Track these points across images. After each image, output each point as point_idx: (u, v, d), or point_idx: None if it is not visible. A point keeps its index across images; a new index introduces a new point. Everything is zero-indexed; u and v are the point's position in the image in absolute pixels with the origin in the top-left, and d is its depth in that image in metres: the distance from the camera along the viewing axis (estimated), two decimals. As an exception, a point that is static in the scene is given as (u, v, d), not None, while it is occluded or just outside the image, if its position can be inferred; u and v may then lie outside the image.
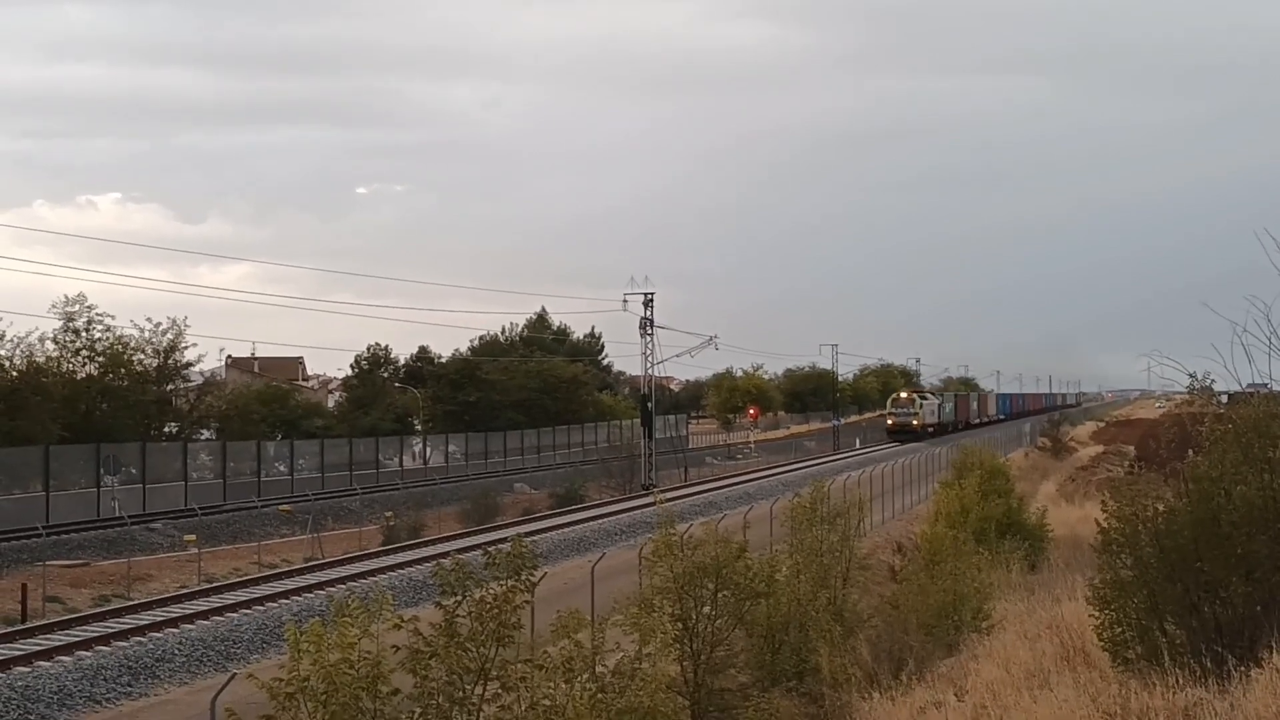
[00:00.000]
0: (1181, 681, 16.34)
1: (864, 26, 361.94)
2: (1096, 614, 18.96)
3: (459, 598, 12.76)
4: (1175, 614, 18.19)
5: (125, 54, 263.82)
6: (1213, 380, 28.72)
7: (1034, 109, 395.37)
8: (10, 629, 29.89)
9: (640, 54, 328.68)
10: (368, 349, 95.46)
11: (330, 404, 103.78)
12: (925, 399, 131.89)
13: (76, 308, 65.41)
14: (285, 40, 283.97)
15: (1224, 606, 18.00)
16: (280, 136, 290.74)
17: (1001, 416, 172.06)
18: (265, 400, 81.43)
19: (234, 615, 30.78)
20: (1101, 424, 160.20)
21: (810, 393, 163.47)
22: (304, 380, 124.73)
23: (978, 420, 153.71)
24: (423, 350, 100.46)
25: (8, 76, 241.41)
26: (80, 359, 66.21)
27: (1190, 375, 29.00)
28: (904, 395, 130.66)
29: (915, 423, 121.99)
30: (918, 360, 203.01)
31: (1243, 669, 16.43)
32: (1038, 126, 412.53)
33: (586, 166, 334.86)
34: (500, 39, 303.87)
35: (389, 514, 55.53)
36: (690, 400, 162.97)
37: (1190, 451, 22.80)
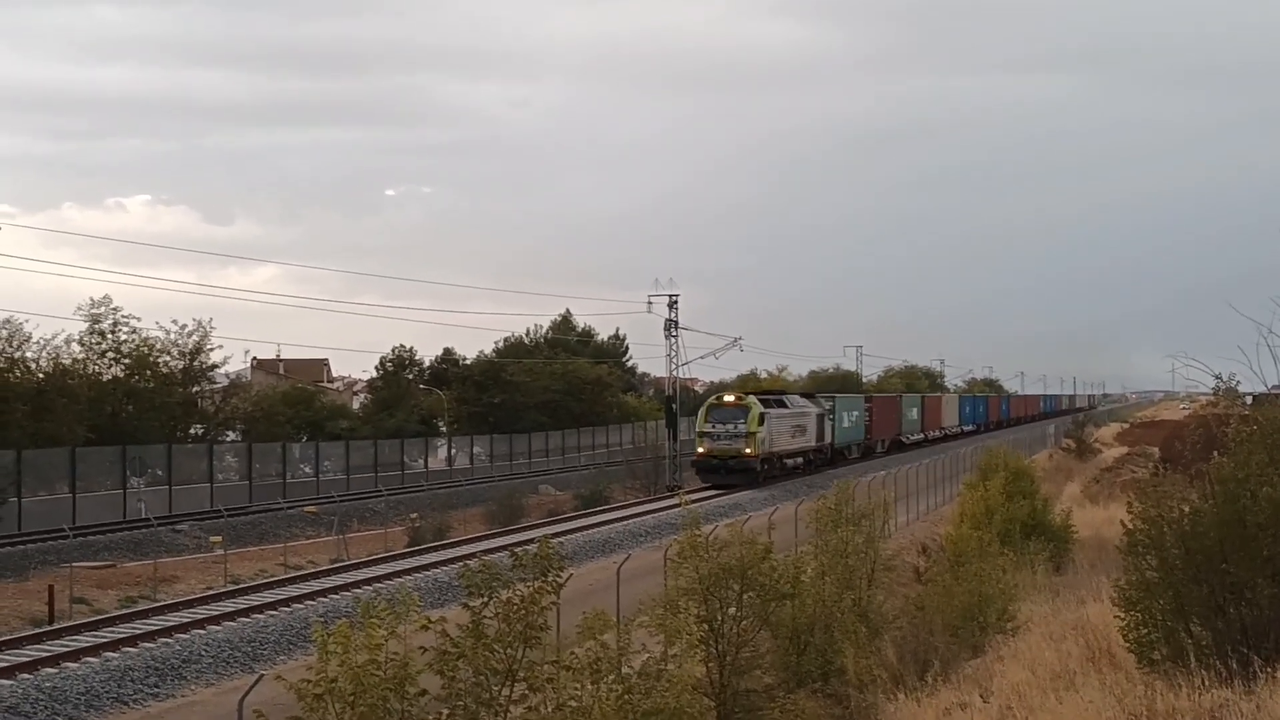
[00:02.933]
0: (1207, 683, 16.36)
1: (888, 26, 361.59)
2: (1122, 615, 18.97)
3: (486, 599, 12.82)
4: (1201, 615, 18.20)
5: (155, 54, 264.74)
6: (1238, 382, 28.76)
7: (1055, 106, 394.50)
8: (38, 630, 30.05)
9: (666, 52, 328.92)
10: (393, 350, 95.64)
11: (355, 405, 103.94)
12: (776, 408, 72.97)
13: (102, 310, 65.76)
14: (314, 39, 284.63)
15: (1249, 608, 18.00)
16: (308, 136, 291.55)
17: (968, 428, 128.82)
18: (290, 402, 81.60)
19: (260, 617, 30.86)
20: (1126, 425, 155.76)
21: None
22: (329, 382, 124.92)
23: (917, 437, 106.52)
24: (447, 352, 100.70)
25: (38, 77, 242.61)
26: (106, 361, 66.50)
27: (1216, 376, 29.03)
28: (729, 400, 71.72)
29: (749, 451, 67.10)
30: (941, 361, 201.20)
31: (1269, 670, 16.45)
32: (1059, 123, 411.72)
33: (611, 165, 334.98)
34: (528, 38, 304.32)
35: (414, 515, 55.62)
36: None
37: (1215, 453, 22.75)
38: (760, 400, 71.34)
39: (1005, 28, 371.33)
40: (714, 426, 68.86)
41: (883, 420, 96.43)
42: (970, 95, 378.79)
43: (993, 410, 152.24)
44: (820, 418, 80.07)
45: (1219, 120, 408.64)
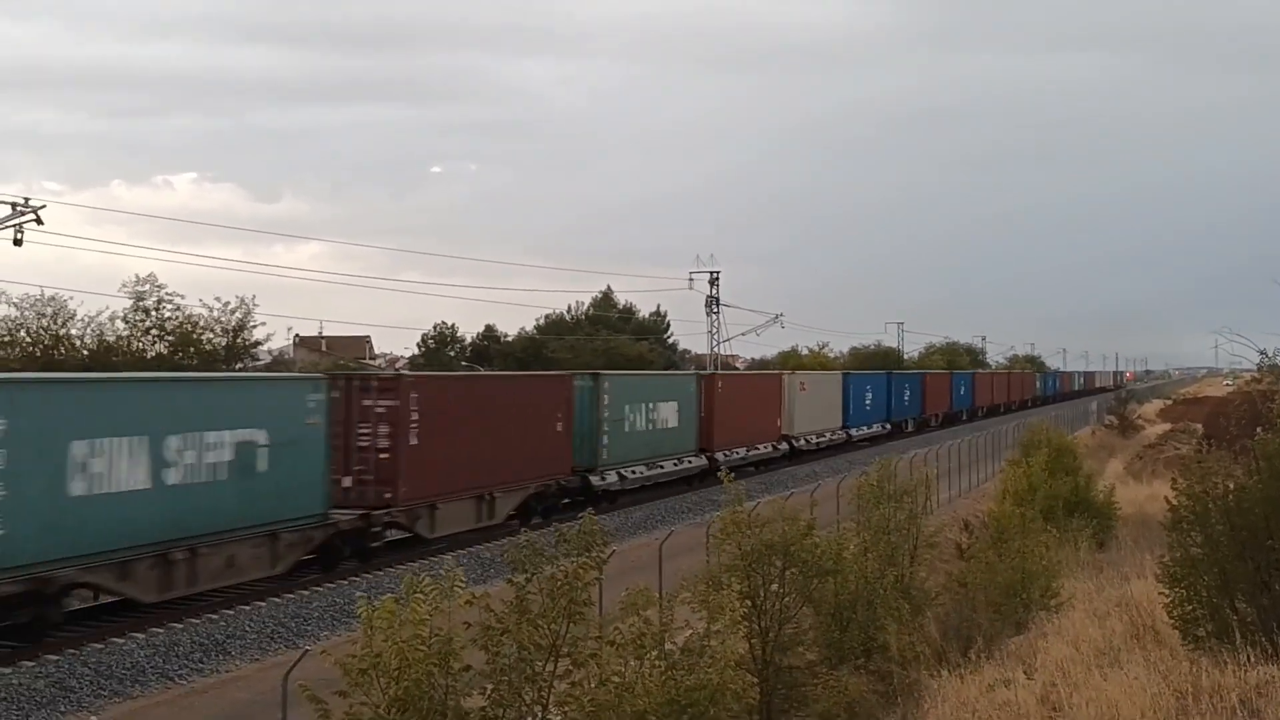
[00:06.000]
0: (1253, 659, 16.30)
1: (938, 3, 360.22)
2: (1166, 592, 18.91)
3: (529, 575, 12.85)
4: (1246, 592, 18.12)
5: (206, 32, 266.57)
6: (1283, 357, 28.61)
7: (1104, 84, 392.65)
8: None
9: (716, 32, 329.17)
10: (435, 327, 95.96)
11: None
12: None
13: (146, 287, 66.02)
14: (363, 17, 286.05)
15: (1295, 585, 17.92)
16: (356, 114, 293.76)
17: (870, 429, 77.81)
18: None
19: (304, 592, 31.00)
20: (1169, 402, 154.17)
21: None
22: (371, 359, 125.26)
23: (692, 462, 52.48)
24: (489, 328, 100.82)
25: (91, 55, 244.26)
26: (150, 338, 66.78)
27: (1260, 352, 28.86)
28: None
29: None
30: (984, 338, 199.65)
31: (1315, 647, 16.38)
32: (1108, 101, 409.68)
33: (658, 146, 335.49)
34: (578, 16, 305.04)
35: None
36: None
37: (1260, 429, 22.65)
38: None
39: (1055, 7, 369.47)
40: None
41: (523, 431, 40.54)
42: (1018, 74, 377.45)
43: (934, 397, 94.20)
44: None
45: (1269, 97, 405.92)
